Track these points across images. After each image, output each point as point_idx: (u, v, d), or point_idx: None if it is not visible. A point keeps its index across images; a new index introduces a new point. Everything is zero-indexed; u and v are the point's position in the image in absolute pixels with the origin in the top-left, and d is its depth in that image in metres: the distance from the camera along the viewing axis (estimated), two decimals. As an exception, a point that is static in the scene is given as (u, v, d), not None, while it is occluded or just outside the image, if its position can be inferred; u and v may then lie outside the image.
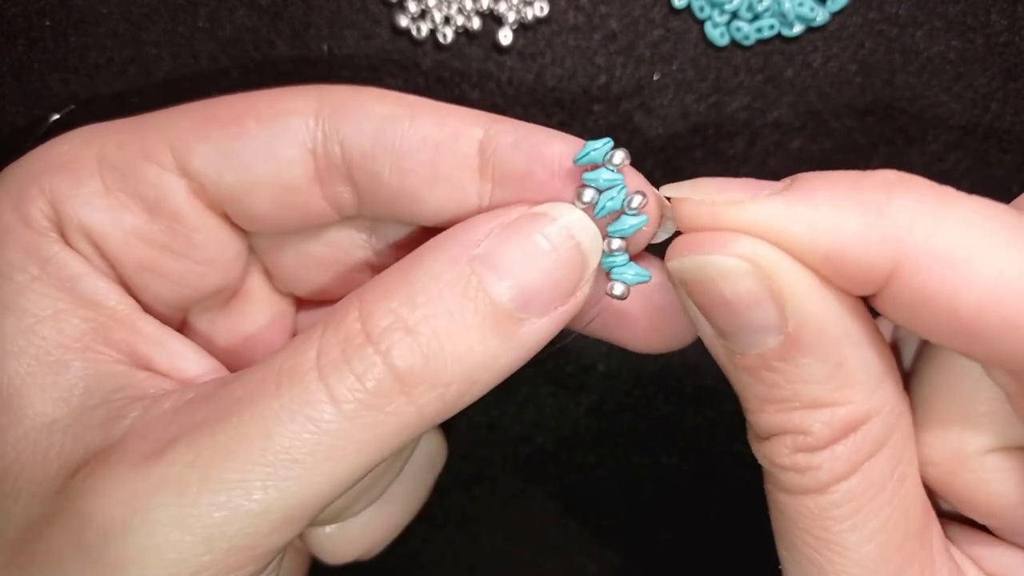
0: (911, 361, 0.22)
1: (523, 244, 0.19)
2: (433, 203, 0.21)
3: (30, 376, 0.20)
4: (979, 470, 0.20)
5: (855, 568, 0.20)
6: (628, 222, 0.20)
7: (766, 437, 0.20)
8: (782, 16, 0.28)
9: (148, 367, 0.21)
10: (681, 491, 0.33)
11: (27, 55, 0.28)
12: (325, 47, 0.29)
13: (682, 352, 0.31)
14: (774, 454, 0.20)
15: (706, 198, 0.19)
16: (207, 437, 0.18)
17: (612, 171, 0.19)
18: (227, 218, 0.22)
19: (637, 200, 0.19)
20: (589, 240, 0.19)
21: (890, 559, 0.19)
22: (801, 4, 0.28)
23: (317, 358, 0.18)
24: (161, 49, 0.29)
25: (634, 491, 0.33)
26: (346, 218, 0.23)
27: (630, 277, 0.20)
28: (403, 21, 0.28)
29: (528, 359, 0.19)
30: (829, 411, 0.19)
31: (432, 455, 0.29)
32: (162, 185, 0.21)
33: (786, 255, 0.18)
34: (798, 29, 0.28)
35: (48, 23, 0.28)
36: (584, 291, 0.20)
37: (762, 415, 0.20)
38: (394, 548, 0.34)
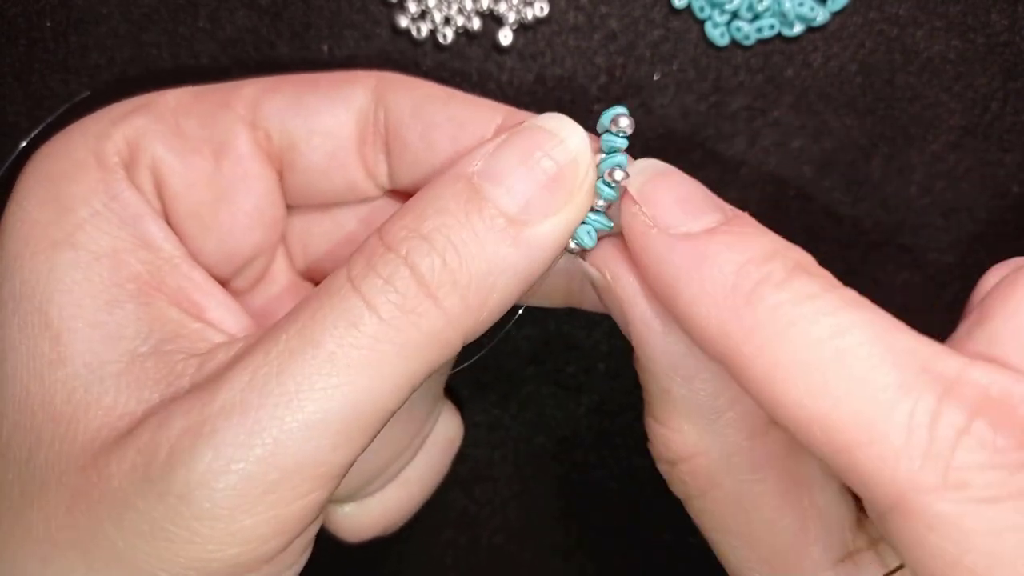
0: None
1: (515, 153, 0.20)
2: None
3: (82, 312, 0.20)
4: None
5: (732, 568, 0.22)
6: (603, 190, 0.21)
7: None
8: (782, 16, 0.28)
9: (200, 317, 0.21)
10: (681, 491, 0.33)
11: (27, 55, 0.28)
12: (325, 47, 0.29)
13: (682, 352, 0.31)
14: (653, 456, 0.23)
15: (637, 212, 0.20)
16: (260, 357, 0.19)
17: (618, 136, 0.21)
18: (280, 183, 0.24)
19: (618, 174, 0.20)
20: (580, 146, 0.20)
21: (760, 569, 0.21)
22: (801, 4, 0.28)
23: (347, 273, 0.19)
24: (161, 49, 0.29)
25: (634, 491, 0.33)
26: (379, 195, 0.25)
27: (583, 238, 0.21)
28: (403, 21, 0.28)
29: (542, 267, 0.20)
30: (664, 431, 0.21)
31: (450, 433, 0.30)
32: (232, 129, 0.23)
33: (635, 280, 0.21)
34: (798, 29, 0.28)
35: (48, 23, 0.28)
36: (582, 195, 0.20)
37: (644, 415, 0.23)
38: (394, 548, 0.34)
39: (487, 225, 0.19)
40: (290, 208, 0.25)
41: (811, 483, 0.22)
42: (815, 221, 0.30)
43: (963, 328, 0.19)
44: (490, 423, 0.32)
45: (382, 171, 0.24)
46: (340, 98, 0.23)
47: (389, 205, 0.25)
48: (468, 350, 0.21)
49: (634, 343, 0.21)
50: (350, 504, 0.27)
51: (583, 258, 0.22)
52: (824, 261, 0.30)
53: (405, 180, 0.24)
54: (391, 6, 0.28)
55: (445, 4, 0.28)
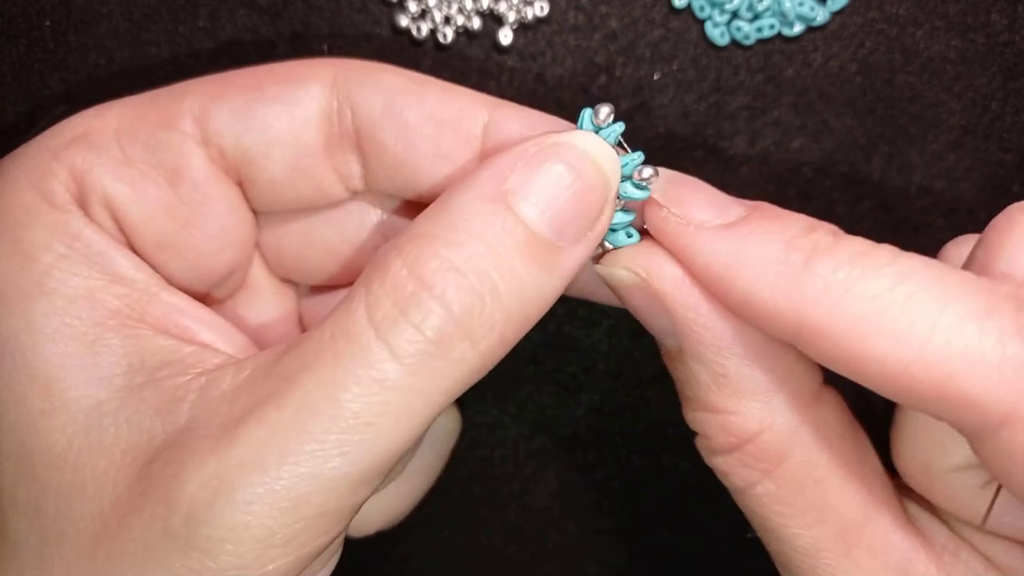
0: None
1: (549, 173, 0.19)
2: (434, 179, 0.22)
3: (68, 358, 0.20)
4: (948, 486, 0.21)
5: (800, 554, 0.21)
6: (629, 189, 0.20)
7: (695, 435, 0.22)
8: (782, 16, 0.28)
9: (191, 340, 0.21)
10: (681, 491, 0.33)
11: (27, 55, 0.28)
12: (325, 47, 0.29)
13: (682, 352, 0.31)
14: (701, 451, 0.22)
15: (667, 214, 0.20)
16: (275, 413, 0.18)
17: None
18: (242, 191, 0.23)
19: (647, 172, 0.20)
20: (608, 163, 0.20)
21: (831, 549, 0.21)
22: (801, 4, 0.28)
23: (369, 316, 0.18)
24: (161, 49, 0.29)
25: (634, 491, 0.33)
26: (351, 197, 0.23)
27: (620, 242, 0.21)
28: (403, 21, 0.28)
29: (566, 285, 0.20)
30: (722, 417, 0.21)
31: (448, 425, 0.30)
32: (182, 152, 0.21)
33: (677, 270, 0.20)
34: (798, 29, 0.28)
35: (48, 23, 0.28)
36: (608, 214, 0.20)
37: (684, 411, 0.22)
38: (394, 548, 0.34)
39: (526, 254, 0.18)
40: (258, 214, 0.24)
41: (868, 453, 0.22)
42: (815, 221, 0.30)
43: (976, 265, 0.20)
44: (490, 423, 0.32)
45: (355, 172, 0.23)
46: (294, 101, 0.22)
47: (363, 208, 0.24)
48: None
49: (682, 333, 0.21)
50: None
51: (596, 262, 0.22)
52: (824, 261, 0.30)
53: (385, 184, 0.23)
54: (391, 6, 0.28)
55: (445, 4, 0.28)
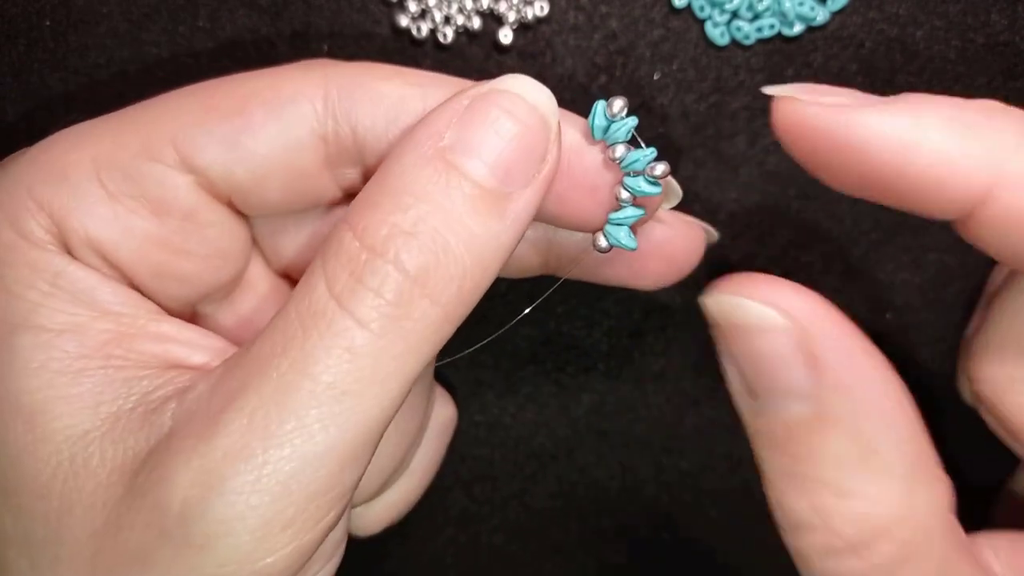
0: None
1: (484, 122, 0.19)
2: None
3: (52, 390, 0.19)
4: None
5: None
6: (642, 185, 0.20)
7: (794, 527, 0.18)
8: (782, 15, 0.28)
9: (180, 366, 0.21)
10: (681, 491, 0.33)
11: (27, 55, 0.28)
12: (325, 47, 0.29)
13: (682, 352, 0.31)
14: (804, 554, 0.18)
15: (811, 99, 0.19)
16: (254, 397, 0.18)
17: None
18: (232, 206, 0.22)
19: (660, 169, 0.20)
20: (544, 102, 0.19)
21: None
22: (801, 3, 0.28)
23: (329, 290, 0.18)
24: (161, 49, 0.29)
25: (634, 491, 0.33)
26: (350, 198, 0.23)
27: (622, 239, 0.21)
28: (403, 21, 0.28)
29: (524, 232, 0.19)
30: (859, 504, 0.17)
31: (444, 419, 0.29)
32: (168, 184, 0.21)
33: (831, 314, 0.18)
34: (798, 29, 0.28)
35: (48, 23, 0.28)
36: (554, 153, 0.19)
37: (786, 497, 0.18)
38: (394, 548, 0.34)
39: (473, 207, 0.18)
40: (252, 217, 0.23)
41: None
42: (815, 221, 0.30)
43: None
44: (490, 423, 0.32)
45: (355, 179, 0.22)
46: (284, 127, 0.21)
47: None
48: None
49: (829, 392, 0.17)
50: (361, 506, 0.27)
51: (602, 251, 0.21)
52: (824, 261, 0.30)
53: None
54: (391, 6, 0.28)
55: (445, 3, 0.28)
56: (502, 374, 0.32)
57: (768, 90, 0.20)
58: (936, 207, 0.18)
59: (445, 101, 0.19)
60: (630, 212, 0.21)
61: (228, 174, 0.21)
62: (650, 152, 0.20)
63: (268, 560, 0.18)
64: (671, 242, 0.24)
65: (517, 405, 0.32)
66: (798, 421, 0.18)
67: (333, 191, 0.22)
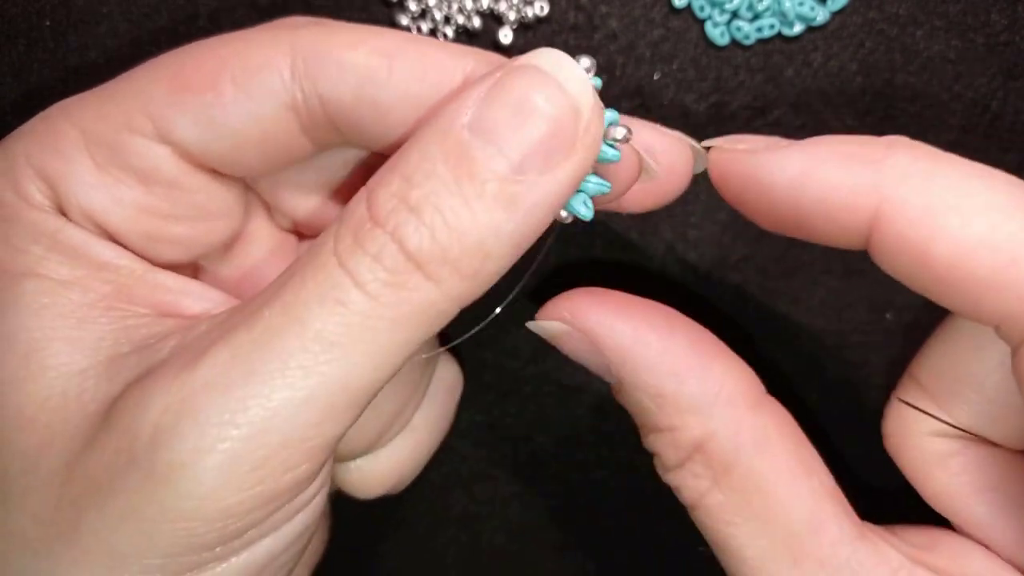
0: None
1: (509, 102, 0.18)
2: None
3: (53, 331, 0.20)
4: (922, 450, 0.23)
5: (748, 566, 0.22)
6: (605, 151, 0.19)
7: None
8: (782, 15, 0.28)
9: (181, 315, 0.21)
10: (681, 491, 0.33)
11: (27, 55, 0.28)
12: (325, 47, 0.29)
13: (682, 352, 0.31)
14: (660, 475, 0.24)
15: (730, 147, 0.22)
16: (243, 334, 0.18)
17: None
18: (216, 171, 0.22)
19: (619, 132, 0.19)
20: (578, 87, 0.18)
21: (778, 559, 0.21)
22: (801, 3, 0.28)
23: (334, 248, 0.18)
24: (161, 49, 0.28)
25: (634, 491, 0.33)
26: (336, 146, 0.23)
27: (578, 208, 0.20)
28: (403, 21, 0.28)
29: (541, 224, 0.19)
30: (668, 435, 0.22)
31: (449, 380, 0.29)
32: (150, 155, 0.21)
33: (605, 312, 0.22)
34: (798, 28, 0.28)
35: (48, 23, 0.28)
36: (585, 143, 0.18)
37: (641, 439, 0.24)
38: (394, 547, 0.34)
39: (477, 191, 0.18)
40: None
41: (815, 464, 0.22)
42: (815, 221, 0.30)
43: None
44: (490, 423, 0.32)
45: (335, 140, 0.22)
46: (254, 103, 0.21)
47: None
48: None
49: (616, 366, 0.22)
50: (359, 459, 0.27)
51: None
52: (824, 261, 0.30)
53: (371, 146, 0.22)
54: (391, 6, 0.28)
55: (445, 3, 0.28)
56: (502, 374, 0.32)
57: (705, 143, 0.22)
58: (836, 236, 0.21)
59: (480, 79, 0.19)
60: (591, 181, 0.19)
61: (204, 146, 0.21)
62: (610, 114, 0.19)
63: (231, 500, 0.18)
64: (663, 152, 0.22)
65: (518, 405, 0.32)
66: (616, 389, 0.23)
67: (314, 149, 0.22)
